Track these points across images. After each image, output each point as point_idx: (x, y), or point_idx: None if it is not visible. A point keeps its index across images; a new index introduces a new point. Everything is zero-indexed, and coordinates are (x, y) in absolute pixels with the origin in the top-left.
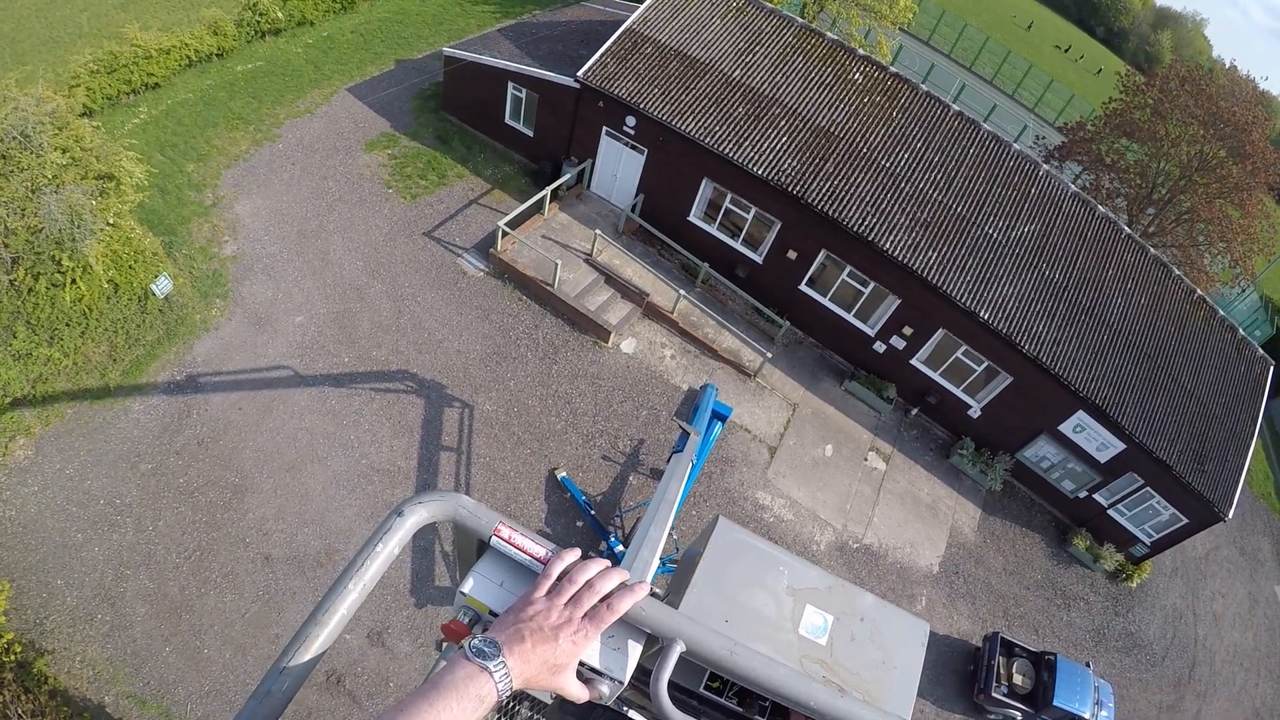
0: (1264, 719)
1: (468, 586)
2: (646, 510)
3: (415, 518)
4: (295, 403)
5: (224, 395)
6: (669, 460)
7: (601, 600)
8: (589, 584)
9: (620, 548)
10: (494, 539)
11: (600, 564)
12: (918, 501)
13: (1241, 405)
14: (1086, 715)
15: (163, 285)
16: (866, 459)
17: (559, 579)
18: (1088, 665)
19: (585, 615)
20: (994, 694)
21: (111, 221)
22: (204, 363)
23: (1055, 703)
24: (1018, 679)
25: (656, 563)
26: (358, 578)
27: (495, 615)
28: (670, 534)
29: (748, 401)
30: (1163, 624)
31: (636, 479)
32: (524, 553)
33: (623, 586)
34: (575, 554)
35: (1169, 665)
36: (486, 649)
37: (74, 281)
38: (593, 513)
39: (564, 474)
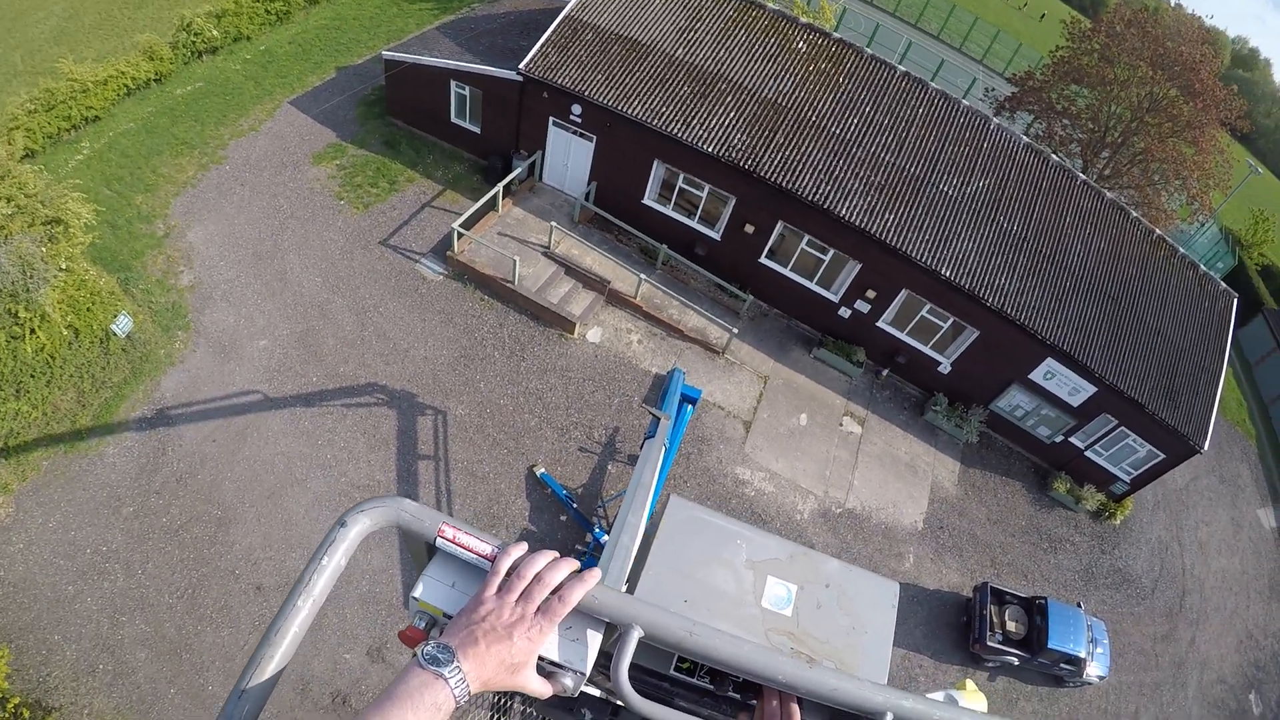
0: (1257, 639)
1: (419, 591)
2: (624, 499)
3: (358, 527)
4: (268, 428)
5: (196, 428)
6: (642, 447)
7: (553, 593)
8: (538, 577)
9: (606, 538)
10: (438, 540)
11: (548, 555)
12: (896, 461)
13: (1208, 339)
14: (1082, 654)
15: (123, 324)
16: (842, 424)
17: (508, 575)
18: (1079, 605)
19: (538, 610)
20: (989, 643)
21: (64, 266)
22: (173, 398)
23: (1050, 645)
24: (1011, 626)
25: (636, 548)
26: (306, 593)
27: (450, 618)
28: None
29: (718, 378)
30: (1149, 557)
31: (615, 467)
32: (470, 551)
33: (574, 576)
34: (522, 548)
35: (1159, 597)
36: (440, 655)
37: (33, 331)
38: (575, 506)
39: (543, 470)
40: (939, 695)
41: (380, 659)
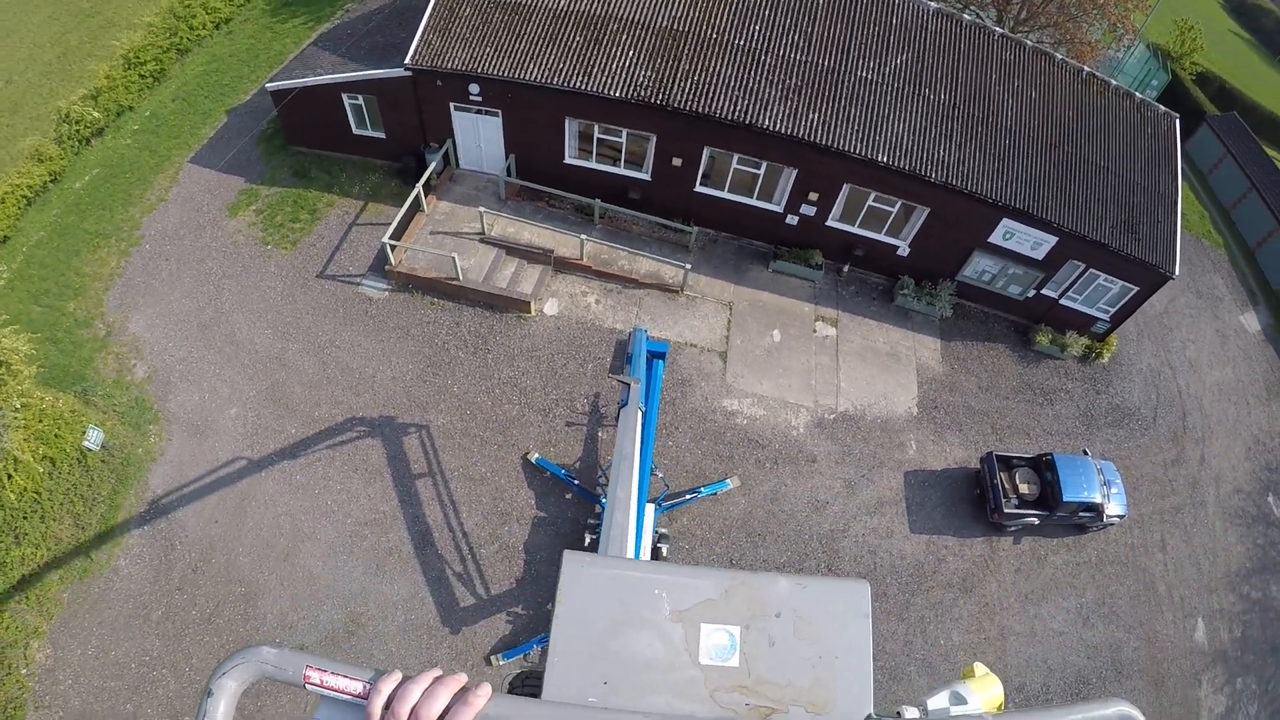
0: (1264, 442)
1: None
2: (610, 474)
3: (225, 694)
4: (264, 492)
5: (196, 514)
6: (619, 417)
7: None
8: (415, 713)
9: None
10: (307, 685)
11: (424, 681)
12: (877, 353)
13: (1158, 165)
14: (1098, 499)
15: (94, 438)
16: (815, 330)
17: (385, 712)
18: (1085, 452)
19: None
20: (1006, 510)
21: (19, 405)
22: (164, 492)
23: (1065, 499)
24: (1024, 488)
25: (632, 524)
26: None
27: None
28: (655, 474)
29: (684, 317)
30: (1144, 387)
31: (606, 432)
32: (341, 693)
33: (459, 699)
34: (395, 679)
35: (1162, 423)
36: None
37: (10, 477)
38: (576, 482)
39: (537, 455)
40: (942, 695)
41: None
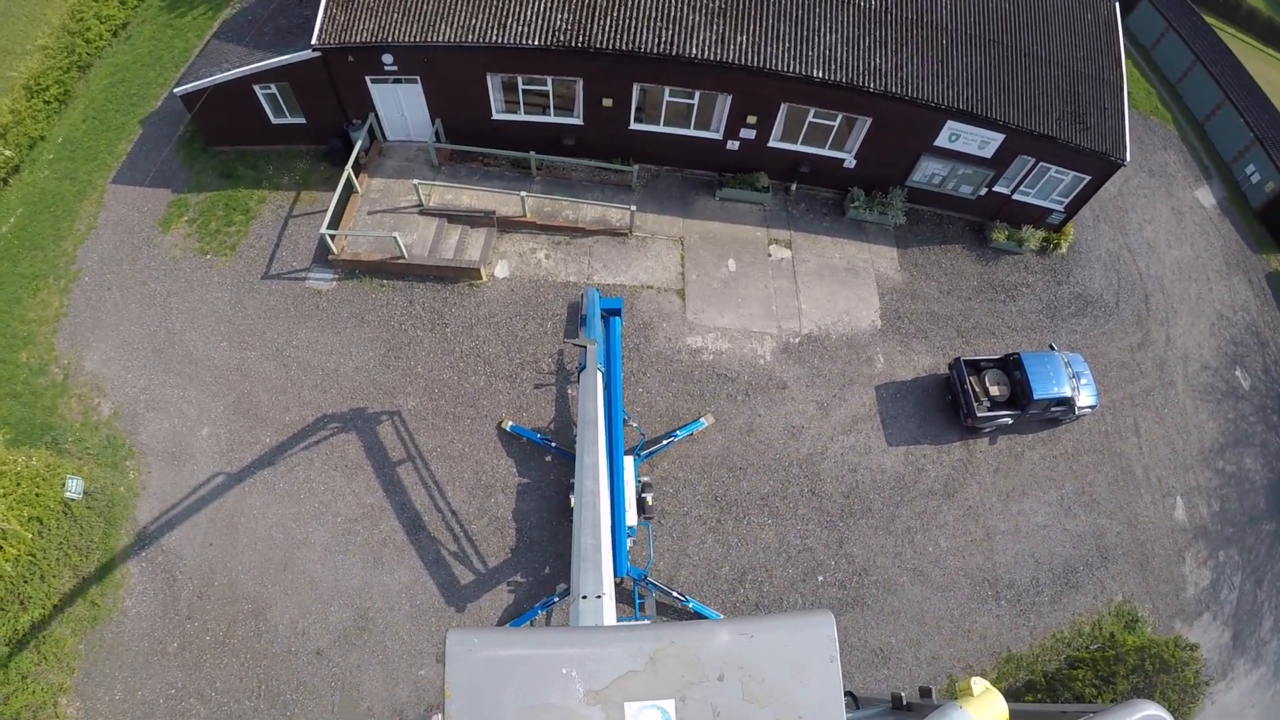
0: (1227, 316)
1: None
2: (576, 442)
3: None
4: (251, 507)
5: (190, 541)
6: (579, 381)
7: None
8: None
9: None
10: None
11: None
12: (835, 270)
13: (1101, 51)
14: (1068, 392)
15: (74, 487)
16: (770, 254)
17: None
18: (1051, 347)
19: None
20: (979, 414)
21: None
22: (154, 525)
23: (1036, 396)
24: (994, 390)
25: (604, 488)
26: None
27: None
28: (629, 424)
29: (636, 259)
30: (1104, 273)
31: (576, 389)
32: None
33: None
34: None
35: (1125, 308)
36: None
37: (0, 549)
38: (554, 444)
39: (511, 423)
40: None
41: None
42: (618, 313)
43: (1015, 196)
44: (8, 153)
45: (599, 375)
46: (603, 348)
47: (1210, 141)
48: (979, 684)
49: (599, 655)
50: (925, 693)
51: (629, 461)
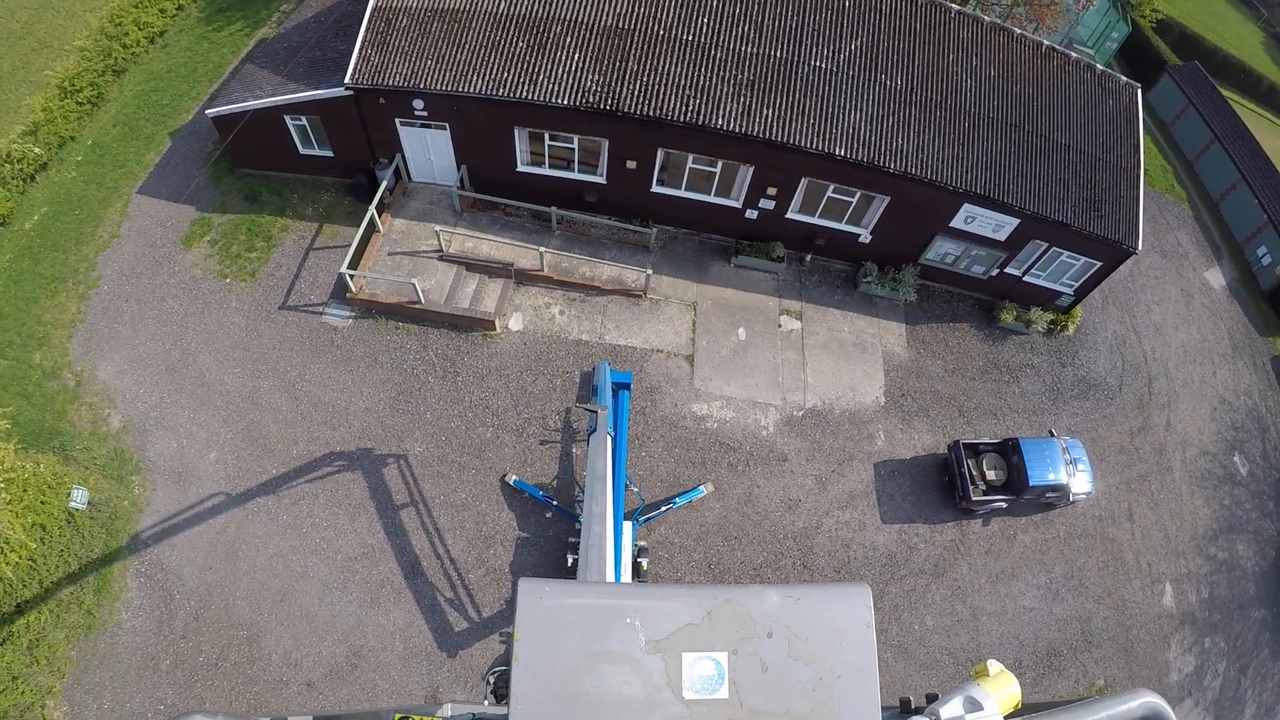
0: (1229, 401)
1: None
2: (585, 493)
3: None
4: (253, 535)
5: (190, 562)
6: (589, 442)
7: None
8: None
9: None
10: None
11: None
12: (843, 344)
13: (1120, 139)
14: (1063, 480)
15: (79, 497)
16: (781, 324)
17: None
18: (1051, 433)
19: None
20: (974, 496)
21: (3, 483)
22: (156, 542)
23: (1031, 483)
24: (991, 474)
25: (611, 534)
26: None
27: None
28: (630, 489)
29: (648, 321)
30: (1109, 356)
31: (581, 448)
32: None
33: None
34: None
35: (1128, 391)
36: None
37: (2, 554)
38: (555, 502)
39: (515, 478)
40: (956, 699)
41: (435, 700)
42: (627, 386)
43: (1026, 278)
44: (37, 150)
45: (608, 438)
46: (610, 416)
47: (1224, 221)
48: (995, 665)
49: (661, 608)
50: (932, 698)
51: (627, 526)
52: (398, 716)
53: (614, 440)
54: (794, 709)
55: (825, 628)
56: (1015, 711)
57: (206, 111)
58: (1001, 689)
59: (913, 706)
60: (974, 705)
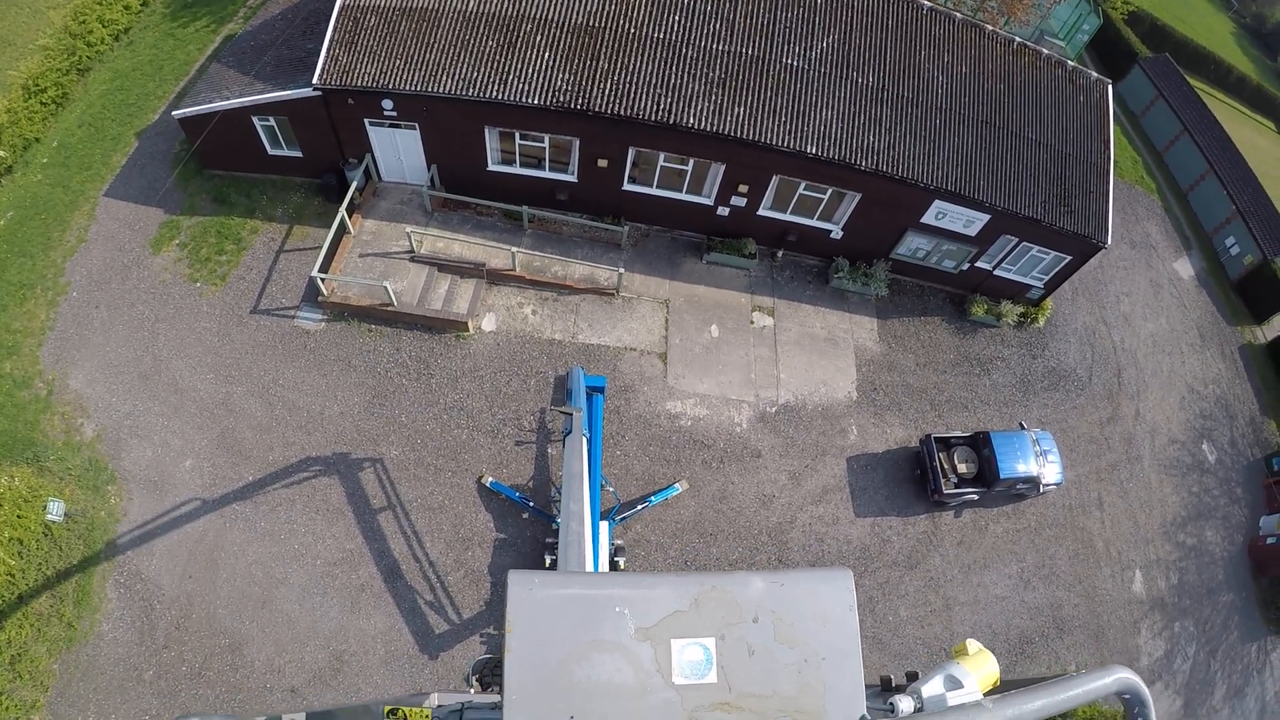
0: (1197, 390)
1: None
2: (562, 492)
3: None
4: (231, 543)
5: (169, 571)
6: (564, 444)
7: None
8: None
9: None
10: None
11: None
12: (815, 339)
13: (1090, 134)
14: (1034, 471)
15: (55, 510)
16: (753, 321)
17: None
18: (1021, 426)
19: None
20: (946, 490)
21: None
22: (134, 552)
23: (1002, 475)
24: (961, 468)
25: (589, 531)
26: None
27: None
28: (606, 489)
29: (621, 319)
30: (1079, 347)
31: (556, 448)
32: None
33: None
34: None
35: (1097, 382)
36: None
37: None
38: (531, 504)
39: (490, 479)
40: (937, 677)
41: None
42: (601, 390)
43: (996, 272)
44: (2, 153)
45: (584, 440)
46: (585, 419)
47: (1193, 211)
48: (974, 645)
49: (649, 596)
50: (912, 676)
51: (603, 526)
52: (387, 709)
53: (589, 443)
54: (780, 690)
55: (809, 612)
56: (994, 688)
57: (173, 114)
58: (980, 667)
59: (894, 685)
60: (954, 683)
